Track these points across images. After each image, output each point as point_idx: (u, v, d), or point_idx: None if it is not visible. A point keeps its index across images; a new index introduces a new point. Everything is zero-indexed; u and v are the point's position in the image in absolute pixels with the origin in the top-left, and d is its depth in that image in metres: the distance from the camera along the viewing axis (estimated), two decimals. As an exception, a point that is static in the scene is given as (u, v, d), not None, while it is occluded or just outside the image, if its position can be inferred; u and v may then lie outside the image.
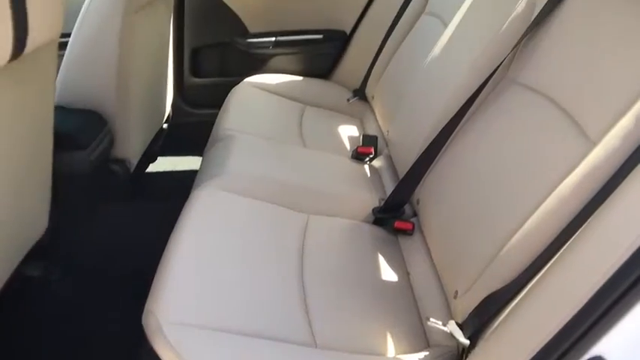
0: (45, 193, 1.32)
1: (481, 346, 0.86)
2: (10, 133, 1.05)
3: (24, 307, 1.49)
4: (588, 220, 0.78)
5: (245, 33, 2.22)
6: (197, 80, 2.28)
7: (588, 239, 0.75)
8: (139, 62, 1.63)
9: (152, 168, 2.18)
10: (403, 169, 1.40)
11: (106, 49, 1.51)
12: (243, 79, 2.08)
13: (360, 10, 2.22)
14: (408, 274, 1.22)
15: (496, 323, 0.85)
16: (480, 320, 0.89)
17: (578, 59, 1.00)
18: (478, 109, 1.23)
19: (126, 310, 1.09)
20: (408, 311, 1.12)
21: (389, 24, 2.08)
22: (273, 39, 2.22)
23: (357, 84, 2.15)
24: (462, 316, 0.96)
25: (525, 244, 0.90)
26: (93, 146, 1.49)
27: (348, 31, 2.26)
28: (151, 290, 0.97)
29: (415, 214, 1.34)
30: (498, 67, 1.19)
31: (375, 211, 1.36)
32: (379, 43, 2.08)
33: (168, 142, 2.18)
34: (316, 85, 2.21)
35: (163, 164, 2.28)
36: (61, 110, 1.41)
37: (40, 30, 0.99)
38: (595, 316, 0.67)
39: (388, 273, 1.20)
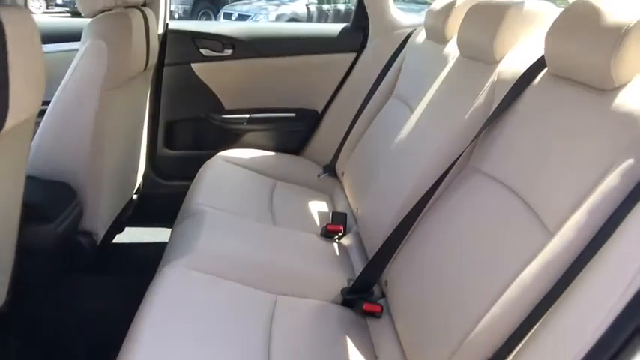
0: (6, 265, 1.29)
1: None
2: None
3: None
4: (549, 311, 0.81)
5: (220, 109, 2.29)
6: (170, 152, 2.31)
7: (550, 331, 0.78)
8: (113, 136, 1.66)
9: (119, 239, 2.16)
10: (372, 249, 1.42)
11: (82, 122, 1.53)
12: (216, 153, 2.12)
13: (332, 91, 2.32)
14: (376, 357, 1.21)
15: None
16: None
17: (534, 152, 1.06)
18: (443, 194, 1.27)
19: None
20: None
21: (359, 105, 2.17)
22: (248, 116, 2.29)
23: (328, 160, 2.21)
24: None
25: (491, 330, 0.92)
26: (61, 219, 1.48)
27: (320, 110, 2.34)
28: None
29: (384, 295, 1.36)
30: (461, 154, 1.25)
31: (343, 292, 1.36)
32: (349, 122, 2.16)
33: (136, 212, 2.17)
34: (288, 160, 2.26)
35: (130, 234, 2.26)
36: (31, 181, 1.41)
37: (21, 107, 1.01)
38: None
39: (356, 358, 1.19)
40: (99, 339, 1.30)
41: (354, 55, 2.30)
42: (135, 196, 2.14)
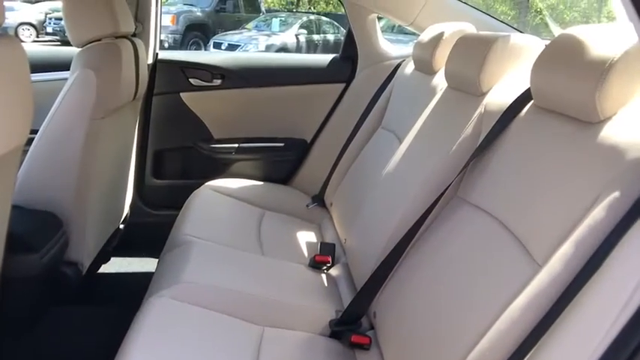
0: None
1: None
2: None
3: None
4: (537, 344, 0.81)
5: (209, 138, 2.29)
6: (158, 181, 2.31)
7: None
8: (100, 165, 1.65)
9: (105, 268, 2.13)
10: (360, 280, 1.41)
11: (69, 152, 1.53)
12: (204, 183, 2.12)
13: (321, 121, 2.34)
14: (364, 390, 1.20)
15: None
16: None
17: (520, 184, 1.06)
18: (431, 225, 1.27)
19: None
20: None
21: (347, 135, 2.18)
22: (236, 145, 2.29)
23: (316, 190, 2.21)
24: None
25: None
26: (46, 249, 1.46)
27: (308, 140, 2.35)
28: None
29: (372, 327, 1.35)
30: (449, 185, 1.26)
31: (331, 323, 1.35)
32: (338, 152, 2.17)
33: (123, 242, 2.15)
34: (276, 190, 2.26)
35: (117, 264, 2.23)
36: (17, 210, 1.40)
37: (8, 137, 1.00)
38: None
39: (344, 390, 1.18)
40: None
41: (342, 85, 2.33)
42: (122, 226, 2.12)
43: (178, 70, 2.25)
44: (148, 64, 2.13)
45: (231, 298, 1.33)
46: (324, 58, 2.39)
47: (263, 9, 14.03)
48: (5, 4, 0.93)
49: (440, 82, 1.66)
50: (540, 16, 11.39)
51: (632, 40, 0.91)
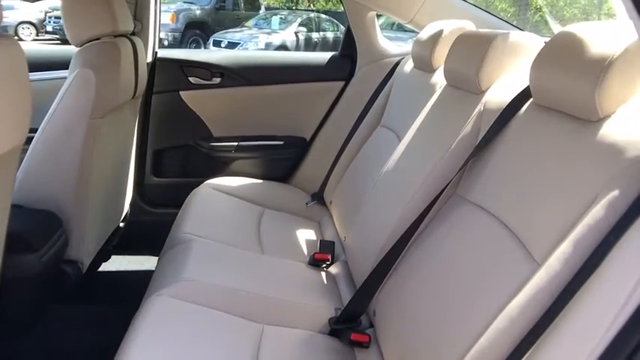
0: None
1: None
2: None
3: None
4: (536, 342, 0.81)
5: (209, 137, 2.29)
6: (157, 180, 2.31)
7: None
8: (100, 165, 1.65)
9: (105, 267, 2.14)
10: (359, 278, 1.41)
11: (69, 151, 1.53)
12: (203, 181, 2.12)
13: (320, 119, 2.33)
14: (363, 388, 1.20)
15: None
16: None
17: (520, 182, 1.06)
18: (431, 223, 1.27)
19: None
20: None
21: (347, 133, 2.18)
22: (236, 143, 2.29)
23: (316, 188, 2.21)
24: None
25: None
26: (46, 248, 1.46)
27: (308, 138, 2.35)
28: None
29: (372, 325, 1.35)
30: (449, 183, 1.26)
31: (331, 321, 1.35)
32: (337, 150, 2.17)
33: (123, 240, 2.15)
34: (276, 188, 2.26)
35: (117, 263, 2.23)
36: (16, 210, 1.40)
37: (6, 137, 1.00)
38: None
39: (344, 388, 1.18)
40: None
41: (342, 83, 2.32)
42: (122, 224, 2.12)
43: (178, 68, 2.25)
44: (148, 63, 2.13)
45: (231, 296, 1.33)
46: (323, 56, 2.39)
47: (263, 7, 14.02)
48: (5, 2, 0.93)
49: (439, 79, 1.66)
50: (540, 13, 11.38)
51: (631, 38, 0.91)
